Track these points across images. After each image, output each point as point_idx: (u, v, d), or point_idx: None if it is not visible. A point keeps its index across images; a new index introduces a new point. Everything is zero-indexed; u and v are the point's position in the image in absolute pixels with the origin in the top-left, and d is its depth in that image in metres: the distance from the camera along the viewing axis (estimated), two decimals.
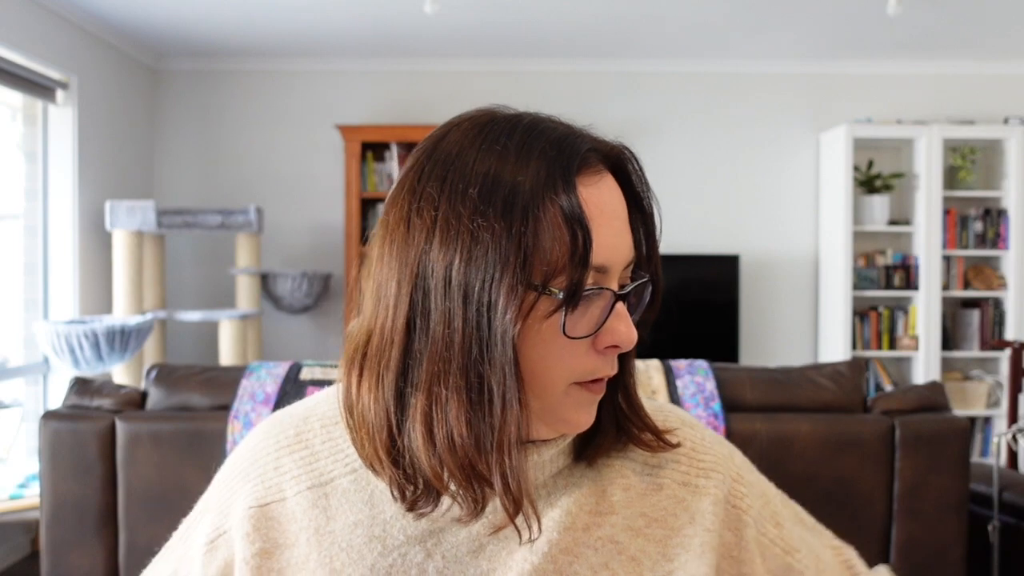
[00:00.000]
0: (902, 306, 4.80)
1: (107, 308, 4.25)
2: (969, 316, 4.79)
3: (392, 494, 0.67)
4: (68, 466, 2.04)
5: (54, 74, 3.91)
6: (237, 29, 4.31)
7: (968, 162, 4.70)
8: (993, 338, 4.72)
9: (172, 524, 0.84)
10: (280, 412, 0.79)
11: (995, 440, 2.76)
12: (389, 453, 0.65)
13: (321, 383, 2.10)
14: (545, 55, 4.76)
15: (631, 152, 0.68)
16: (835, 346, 4.69)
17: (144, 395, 2.18)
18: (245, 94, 4.89)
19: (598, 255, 0.62)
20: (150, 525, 2.01)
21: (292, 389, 2.09)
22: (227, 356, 4.03)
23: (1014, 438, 2.76)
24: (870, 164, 4.74)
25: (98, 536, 2.03)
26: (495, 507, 0.68)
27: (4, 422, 3.42)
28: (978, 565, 2.32)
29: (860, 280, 4.74)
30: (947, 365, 4.84)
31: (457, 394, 0.61)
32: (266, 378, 2.13)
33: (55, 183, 4.00)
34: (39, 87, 3.82)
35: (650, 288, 0.69)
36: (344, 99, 4.87)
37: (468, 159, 0.63)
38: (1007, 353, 4.16)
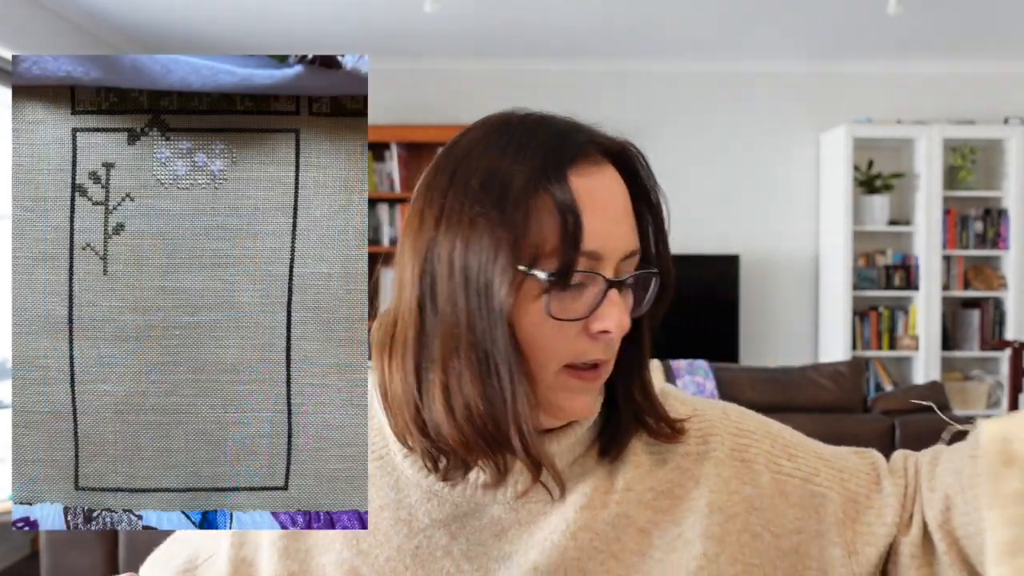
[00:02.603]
0: (902, 306, 4.80)
1: None
2: (969, 316, 4.79)
3: (425, 465, 0.72)
4: None
5: None
6: (236, 29, 4.31)
7: (968, 162, 4.70)
8: (993, 338, 4.72)
9: None
10: None
11: None
12: (417, 425, 0.70)
13: None
14: (545, 55, 4.76)
15: (636, 149, 0.72)
16: (835, 346, 4.69)
17: None
18: None
19: (590, 241, 0.66)
20: None
21: None
22: None
23: None
24: (870, 164, 4.74)
25: (98, 536, 2.03)
26: (516, 491, 0.72)
27: (3, 422, 3.42)
28: None
29: (860, 280, 4.74)
30: (947, 365, 4.84)
31: (469, 368, 0.66)
32: None
33: None
34: None
35: (657, 281, 0.72)
36: None
37: (476, 154, 0.69)
38: (1007, 353, 4.16)
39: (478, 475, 0.72)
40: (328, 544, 0.74)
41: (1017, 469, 0.63)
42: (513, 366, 0.66)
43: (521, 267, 0.65)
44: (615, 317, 0.67)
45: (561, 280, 0.66)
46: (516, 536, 0.72)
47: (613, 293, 0.68)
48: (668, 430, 0.75)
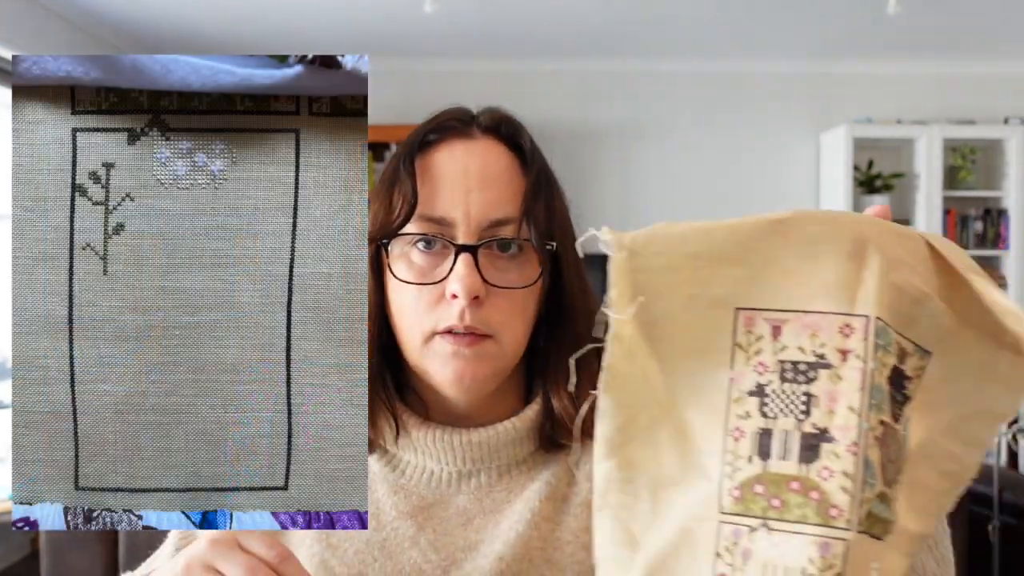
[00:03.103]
0: None
1: None
2: None
3: (383, 458, 0.79)
4: None
5: None
6: (236, 29, 4.31)
7: (968, 162, 4.70)
8: None
9: None
10: None
11: (995, 440, 2.76)
12: None
13: None
14: (545, 55, 4.76)
15: (515, 126, 0.76)
16: None
17: None
18: None
19: (436, 207, 0.71)
20: None
21: None
22: None
23: (1014, 438, 2.76)
24: (870, 164, 4.74)
25: (98, 536, 2.03)
26: (480, 481, 0.75)
27: (3, 422, 3.42)
28: (978, 565, 2.32)
29: None
30: None
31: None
32: None
33: None
34: None
35: (547, 253, 0.73)
36: None
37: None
38: None
39: (441, 466, 0.74)
40: (299, 540, 0.76)
41: (639, 350, 0.54)
42: (370, 331, 0.73)
43: (377, 235, 0.72)
44: (463, 281, 0.68)
45: (384, 239, 0.71)
46: (482, 525, 0.73)
47: (466, 258, 0.69)
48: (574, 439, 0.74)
